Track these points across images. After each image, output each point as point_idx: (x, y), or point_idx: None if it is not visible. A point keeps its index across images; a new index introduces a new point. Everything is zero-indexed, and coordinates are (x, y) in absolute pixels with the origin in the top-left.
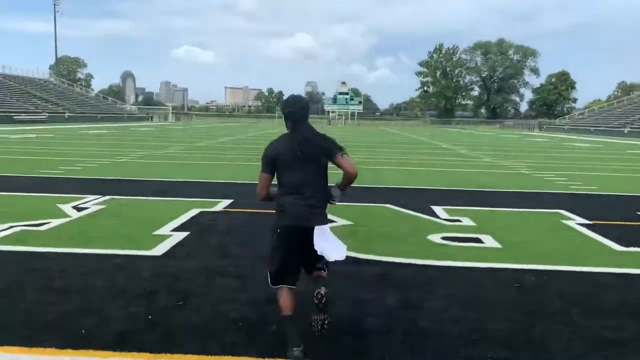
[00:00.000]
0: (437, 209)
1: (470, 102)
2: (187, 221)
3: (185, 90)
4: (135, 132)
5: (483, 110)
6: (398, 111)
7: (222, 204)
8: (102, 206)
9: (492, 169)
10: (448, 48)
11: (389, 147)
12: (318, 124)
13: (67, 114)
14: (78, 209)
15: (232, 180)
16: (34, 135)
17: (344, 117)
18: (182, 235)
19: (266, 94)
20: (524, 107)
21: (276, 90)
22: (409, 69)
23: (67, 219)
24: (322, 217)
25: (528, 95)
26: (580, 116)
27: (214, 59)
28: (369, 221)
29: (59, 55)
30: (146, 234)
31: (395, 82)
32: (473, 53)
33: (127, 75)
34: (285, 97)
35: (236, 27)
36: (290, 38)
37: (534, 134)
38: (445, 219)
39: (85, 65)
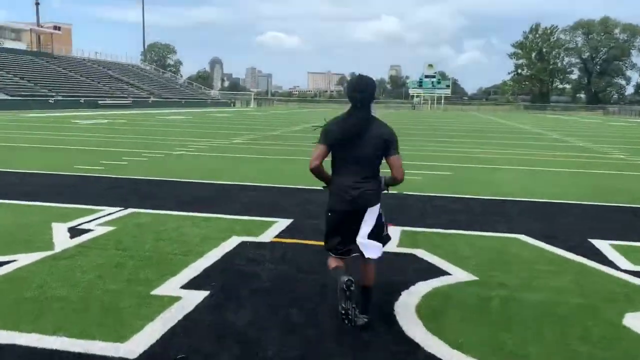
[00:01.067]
0: (604, 247)
1: (568, 86)
2: (216, 263)
3: (269, 75)
4: (212, 118)
5: (582, 95)
6: (487, 95)
7: (276, 227)
8: (110, 228)
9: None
10: (545, 28)
11: (488, 137)
12: (402, 109)
13: (151, 99)
14: (76, 231)
15: (297, 184)
16: (106, 121)
17: (429, 101)
18: (197, 298)
19: (348, 78)
20: (629, 91)
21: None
22: (500, 51)
23: (42, 255)
24: (374, 198)
25: (635, 78)
26: None
27: (298, 45)
28: (501, 274)
29: (150, 42)
30: (139, 297)
31: (484, 66)
32: (573, 33)
33: (215, 62)
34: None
35: (321, 11)
36: (376, 21)
37: None
38: (628, 272)
39: (175, 52)
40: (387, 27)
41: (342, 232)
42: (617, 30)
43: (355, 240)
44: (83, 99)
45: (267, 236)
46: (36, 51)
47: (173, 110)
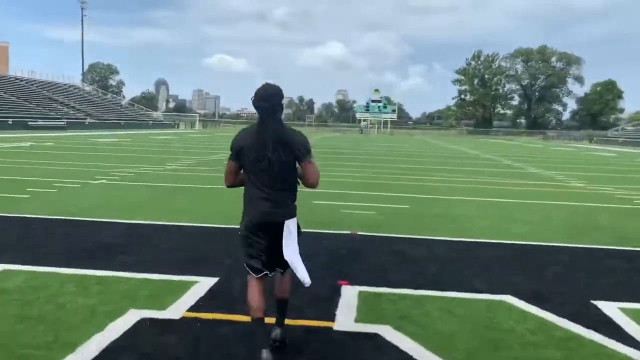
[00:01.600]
0: (614, 312)
1: (509, 112)
2: (99, 356)
3: (217, 97)
4: (150, 141)
5: (522, 120)
6: (431, 120)
7: (194, 292)
8: None
9: (608, 202)
10: (487, 55)
11: (440, 163)
12: (349, 133)
13: (88, 121)
14: None
15: (231, 222)
16: (29, 144)
17: (376, 125)
18: None
19: (297, 102)
20: (565, 116)
21: (307, 98)
22: (443, 77)
23: None
24: (289, 211)
25: (571, 105)
26: (636, 127)
27: (245, 68)
28: None
29: (92, 62)
30: None
31: (428, 91)
32: (513, 60)
33: (160, 83)
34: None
35: (268, 35)
36: (322, 46)
37: (590, 146)
38: None
39: (117, 72)
40: (333, 53)
41: (257, 249)
42: (554, 59)
43: (272, 258)
44: (11, 120)
45: (178, 309)
46: None
47: (110, 133)
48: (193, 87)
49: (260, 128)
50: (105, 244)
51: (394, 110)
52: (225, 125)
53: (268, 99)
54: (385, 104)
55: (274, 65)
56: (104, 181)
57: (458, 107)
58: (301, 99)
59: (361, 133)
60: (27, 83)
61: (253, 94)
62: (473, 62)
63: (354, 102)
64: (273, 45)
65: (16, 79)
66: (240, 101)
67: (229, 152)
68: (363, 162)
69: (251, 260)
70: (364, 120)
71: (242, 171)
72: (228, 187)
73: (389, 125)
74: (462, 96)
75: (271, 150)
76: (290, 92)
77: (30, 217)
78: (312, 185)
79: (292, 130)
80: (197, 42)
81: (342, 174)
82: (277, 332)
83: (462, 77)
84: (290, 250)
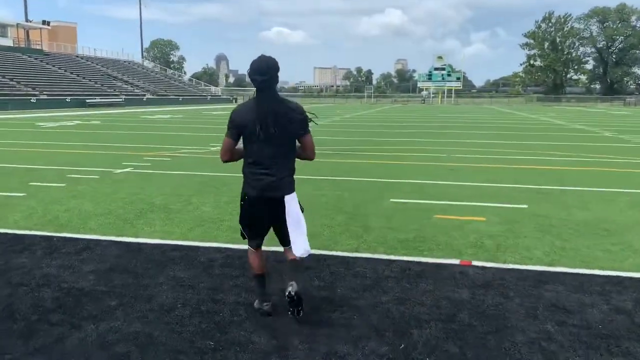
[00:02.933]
0: None
1: (583, 77)
2: None
3: None
4: (204, 117)
5: (597, 86)
6: (496, 88)
7: None
8: None
9: None
10: (559, 16)
11: (535, 137)
12: (411, 103)
13: (146, 97)
14: None
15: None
16: (75, 123)
17: (440, 94)
18: None
19: (354, 73)
20: None
21: (365, 69)
22: (507, 42)
23: None
24: (289, 185)
25: None
26: None
27: (303, 40)
28: None
29: (153, 39)
30: None
31: (491, 58)
32: (588, 21)
33: (220, 58)
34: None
35: (325, 6)
36: (380, 14)
37: None
38: None
39: (177, 48)
40: (392, 20)
41: (256, 222)
42: (634, 18)
43: (274, 231)
44: (70, 97)
45: None
46: (24, 47)
47: (166, 109)
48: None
49: (260, 101)
50: (74, 293)
51: (458, 78)
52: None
53: (267, 71)
54: (449, 71)
55: (331, 36)
56: (129, 170)
57: (526, 73)
58: (359, 70)
59: (423, 103)
60: (88, 61)
61: (249, 67)
62: (543, 25)
63: (414, 71)
64: (330, 15)
65: (77, 56)
66: (297, 74)
67: (227, 128)
68: (437, 137)
69: (250, 232)
70: (425, 90)
71: (237, 146)
72: (224, 162)
73: (452, 94)
74: (531, 61)
75: (272, 124)
76: (347, 63)
77: (15, 235)
78: (310, 158)
79: (290, 102)
80: (255, 16)
81: (417, 154)
82: (292, 286)
83: (531, 41)
84: (293, 224)
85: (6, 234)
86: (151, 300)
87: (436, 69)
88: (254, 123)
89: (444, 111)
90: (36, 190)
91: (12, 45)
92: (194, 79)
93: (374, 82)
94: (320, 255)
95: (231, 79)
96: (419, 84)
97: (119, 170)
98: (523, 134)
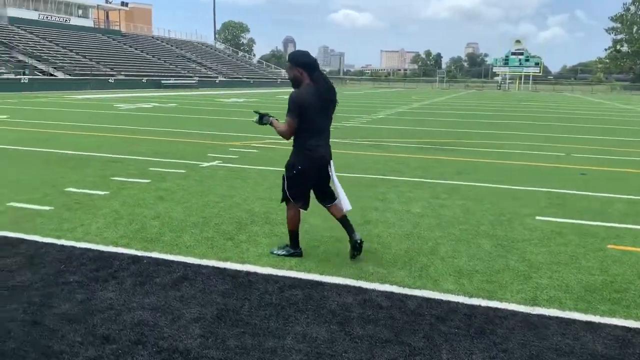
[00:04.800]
0: None
1: None
2: None
3: (341, 54)
4: (278, 102)
5: None
6: (575, 74)
7: None
8: None
9: None
10: None
11: None
12: (486, 89)
13: (218, 79)
14: None
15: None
16: (151, 106)
17: (517, 80)
18: None
19: (423, 56)
20: None
21: (434, 52)
22: (587, 26)
23: None
24: (331, 151)
25: None
26: None
27: (370, 22)
28: None
29: (224, 21)
30: None
31: (569, 43)
32: None
33: (288, 41)
34: (292, 52)
35: None
36: None
37: None
38: None
39: (248, 31)
40: (462, 2)
41: (308, 187)
42: None
43: (320, 192)
44: (145, 78)
45: None
46: (103, 28)
47: (239, 92)
48: (319, 44)
49: (319, 82)
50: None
51: (537, 64)
52: (352, 82)
53: (311, 57)
54: (527, 56)
55: (398, 18)
56: (216, 163)
57: (611, 59)
58: (428, 53)
59: (499, 89)
60: (163, 42)
61: (292, 58)
62: (633, 7)
63: (486, 55)
64: None
65: (152, 37)
66: (364, 58)
67: (291, 112)
68: (537, 130)
69: (302, 198)
70: (498, 75)
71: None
72: (287, 140)
73: (530, 80)
74: (618, 47)
75: (330, 100)
76: (416, 47)
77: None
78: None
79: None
80: None
81: (526, 151)
82: (356, 235)
83: (618, 25)
84: (337, 183)
85: (89, 251)
86: None
87: (513, 53)
88: (322, 99)
89: (526, 99)
90: (119, 187)
91: (92, 26)
92: (263, 62)
93: (444, 65)
94: (489, 307)
95: None
96: (495, 69)
97: (206, 164)
98: (635, 129)
